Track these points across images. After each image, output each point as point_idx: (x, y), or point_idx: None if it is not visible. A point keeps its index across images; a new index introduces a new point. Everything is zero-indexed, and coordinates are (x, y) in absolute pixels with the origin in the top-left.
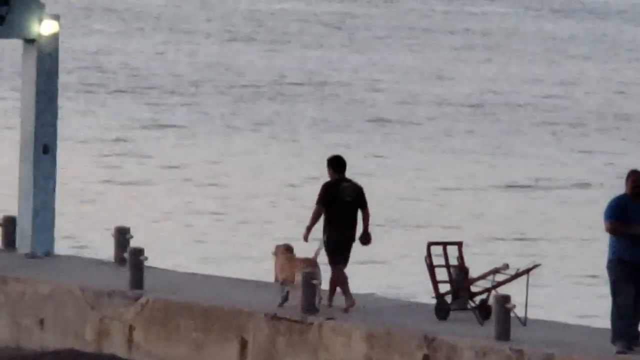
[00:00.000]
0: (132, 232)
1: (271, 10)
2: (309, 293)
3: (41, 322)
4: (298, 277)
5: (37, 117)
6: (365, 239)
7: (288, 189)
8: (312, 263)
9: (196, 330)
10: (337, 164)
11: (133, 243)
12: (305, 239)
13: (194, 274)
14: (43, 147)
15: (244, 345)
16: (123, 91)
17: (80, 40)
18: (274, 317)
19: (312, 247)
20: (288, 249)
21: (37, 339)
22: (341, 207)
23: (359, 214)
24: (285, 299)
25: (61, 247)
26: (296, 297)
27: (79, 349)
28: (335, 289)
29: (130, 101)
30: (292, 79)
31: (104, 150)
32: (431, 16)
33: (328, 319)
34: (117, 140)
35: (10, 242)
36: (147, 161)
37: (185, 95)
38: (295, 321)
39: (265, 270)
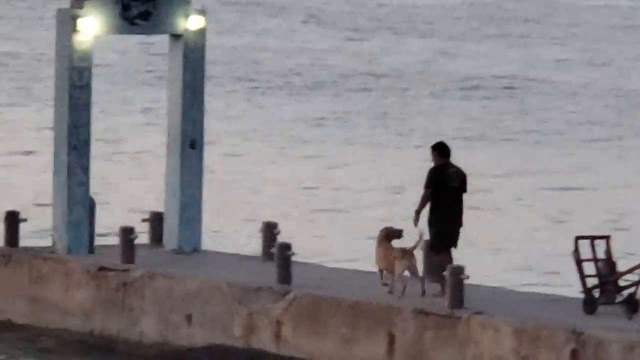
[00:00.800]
0: (279, 227)
1: (420, 4)
2: (457, 288)
3: (189, 318)
4: (397, 268)
5: (184, 112)
6: None
7: None
8: (408, 253)
9: (344, 326)
10: (442, 149)
11: (281, 238)
12: (415, 223)
13: (341, 269)
14: (190, 142)
15: (392, 340)
16: (274, 87)
17: (228, 35)
18: (422, 312)
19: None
20: (388, 235)
21: (185, 335)
22: (448, 193)
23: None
24: (391, 290)
25: (208, 243)
26: (395, 287)
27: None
28: (444, 277)
29: (283, 97)
30: (452, 75)
31: (252, 146)
32: (572, 10)
33: (476, 313)
34: (266, 135)
35: (157, 238)
36: (298, 157)
37: (346, 90)
38: (443, 316)
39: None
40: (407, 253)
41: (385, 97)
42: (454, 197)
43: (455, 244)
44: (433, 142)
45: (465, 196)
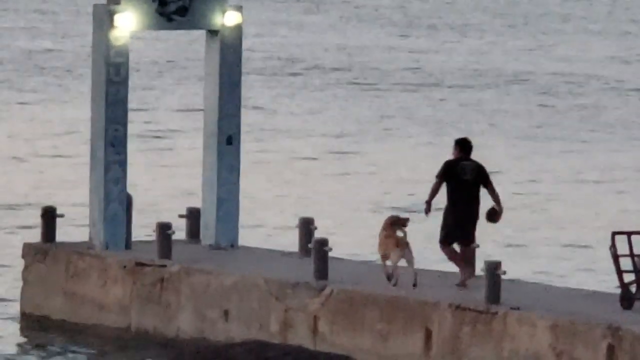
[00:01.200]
0: (316, 222)
1: (460, 1)
2: (494, 283)
3: (226, 314)
4: (393, 256)
5: (221, 108)
6: (492, 216)
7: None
8: (403, 242)
9: (381, 321)
10: (463, 144)
11: (317, 234)
12: (427, 212)
13: (378, 265)
14: (227, 138)
15: (428, 335)
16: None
17: (266, 30)
18: (459, 307)
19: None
20: (392, 223)
21: (222, 331)
22: (461, 185)
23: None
24: (389, 278)
25: (245, 238)
26: (393, 275)
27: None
28: (459, 264)
29: (324, 93)
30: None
31: (289, 141)
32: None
33: (513, 308)
34: (304, 130)
35: (194, 234)
36: (337, 153)
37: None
38: (480, 311)
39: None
40: (403, 242)
41: (425, 92)
42: (467, 190)
43: (467, 236)
44: (474, 139)
45: (492, 187)
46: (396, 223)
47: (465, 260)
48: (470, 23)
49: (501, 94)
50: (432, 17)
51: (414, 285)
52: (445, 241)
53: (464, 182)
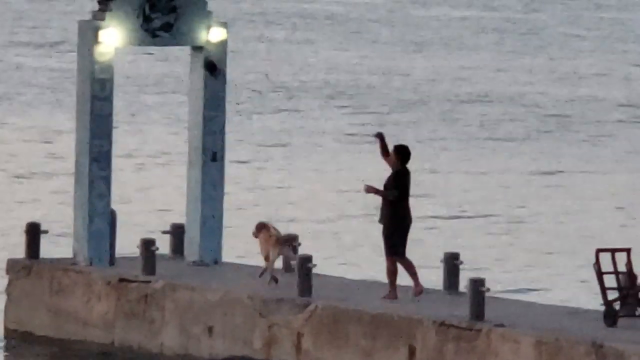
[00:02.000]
0: (300, 239)
1: (447, 17)
2: (478, 300)
3: (210, 330)
4: (272, 254)
5: (205, 124)
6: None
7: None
8: (280, 241)
9: (364, 338)
10: (405, 155)
11: (301, 250)
12: (367, 191)
13: (362, 281)
14: (211, 155)
15: (412, 352)
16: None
17: (252, 47)
18: (443, 324)
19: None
20: (265, 226)
21: (206, 347)
22: (405, 198)
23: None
24: (275, 279)
25: (229, 255)
26: (269, 274)
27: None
28: (394, 279)
29: (313, 109)
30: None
31: (276, 157)
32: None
33: (497, 325)
34: (288, 147)
35: (178, 250)
36: (322, 169)
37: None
38: (464, 328)
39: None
40: (279, 240)
41: (415, 111)
42: (407, 201)
43: (404, 250)
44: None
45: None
46: (267, 224)
47: (411, 271)
48: (461, 41)
49: (488, 113)
50: (422, 35)
51: (274, 279)
52: (394, 253)
53: (407, 195)
